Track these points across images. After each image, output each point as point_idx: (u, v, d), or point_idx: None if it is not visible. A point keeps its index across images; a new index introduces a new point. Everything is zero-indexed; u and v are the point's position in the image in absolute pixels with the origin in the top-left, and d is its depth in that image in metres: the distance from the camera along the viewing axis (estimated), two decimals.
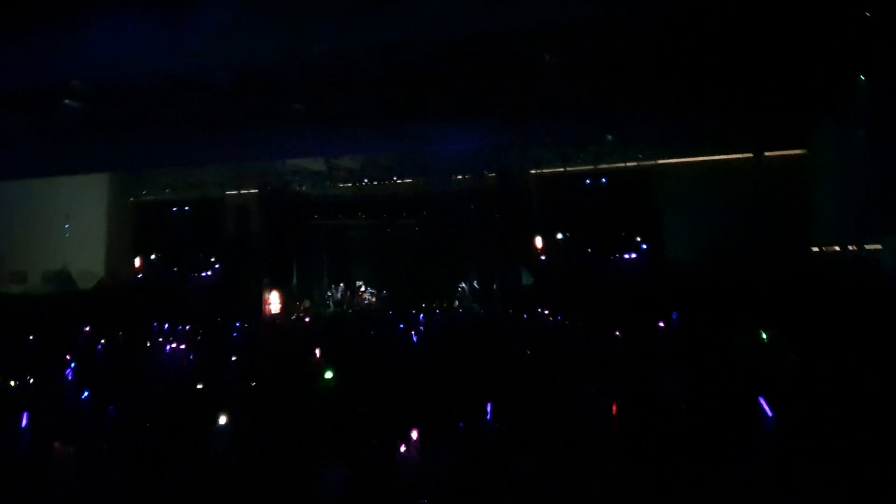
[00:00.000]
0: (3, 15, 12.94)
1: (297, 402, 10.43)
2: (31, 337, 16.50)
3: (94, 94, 15.63)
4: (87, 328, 17.39)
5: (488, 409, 8.71)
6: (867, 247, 15.92)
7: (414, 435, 7.58)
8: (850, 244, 16.86)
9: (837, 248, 17.83)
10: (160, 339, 17.26)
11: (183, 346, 16.23)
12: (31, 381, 12.70)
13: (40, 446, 8.40)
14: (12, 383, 12.47)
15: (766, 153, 21.05)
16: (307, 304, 26.46)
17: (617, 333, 14.35)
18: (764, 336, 12.43)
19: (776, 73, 15.43)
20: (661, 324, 15.02)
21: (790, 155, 21.08)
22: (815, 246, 19.48)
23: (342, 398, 10.71)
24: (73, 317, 18.95)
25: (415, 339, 15.99)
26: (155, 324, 18.46)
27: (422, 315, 20.98)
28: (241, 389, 11.85)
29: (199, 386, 11.72)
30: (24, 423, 8.92)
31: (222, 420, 8.60)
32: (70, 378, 12.64)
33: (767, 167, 21.01)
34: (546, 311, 19.38)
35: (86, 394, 10.70)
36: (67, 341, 16.22)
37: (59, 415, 10.44)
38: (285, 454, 7.82)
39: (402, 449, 7.40)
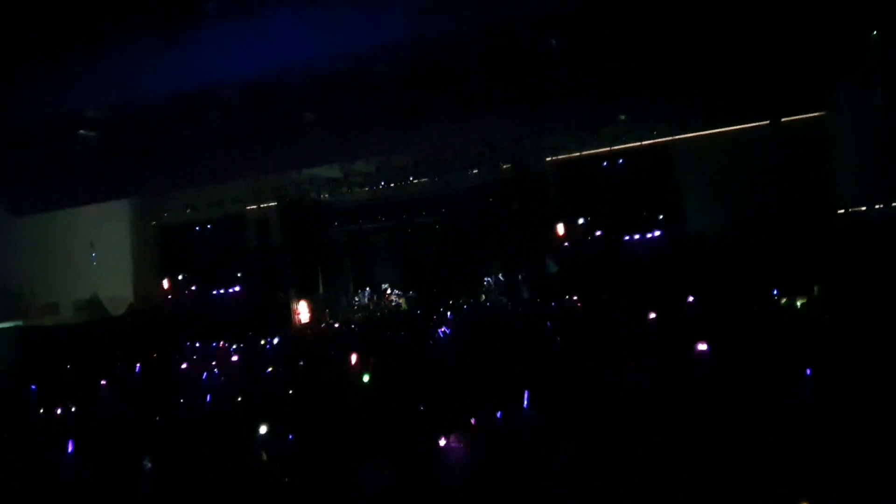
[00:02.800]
0: (16, 52, 13.09)
1: (337, 407, 10.50)
2: (68, 366, 16.73)
3: (108, 121, 15.79)
4: (124, 353, 17.61)
5: (525, 397, 8.73)
6: (894, 204, 15.71)
7: (454, 427, 7.62)
8: (877, 203, 16.65)
9: (864, 209, 17.61)
10: (195, 358, 17.42)
11: (219, 362, 16.39)
12: (76, 407, 12.91)
13: (90, 467, 8.54)
14: (58, 411, 12.67)
15: (784, 119, 20.81)
16: (336, 310, 26.59)
17: (650, 314, 14.28)
18: (797, 302, 12.33)
19: (786, 37, 15.26)
20: (691, 299, 14.95)
21: (808, 118, 20.82)
22: (840, 208, 19.25)
23: (379, 399, 10.77)
24: (108, 343, 19.21)
25: (442, 335, 16.04)
26: (188, 343, 18.64)
27: (449, 312, 21.02)
28: (281, 399, 11.94)
29: (239, 399, 11.85)
30: (70, 449, 9.08)
31: (268, 428, 8.71)
32: (113, 401, 12.81)
33: (786, 133, 20.77)
34: (574, 298, 19.33)
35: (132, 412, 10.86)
36: (106, 367, 16.44)
37: (109, 436, 10.60)
38: (331, 455, 7.88)
39: (443, 442, 7.43)
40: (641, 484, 6.63)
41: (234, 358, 16.68)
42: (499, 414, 8.47)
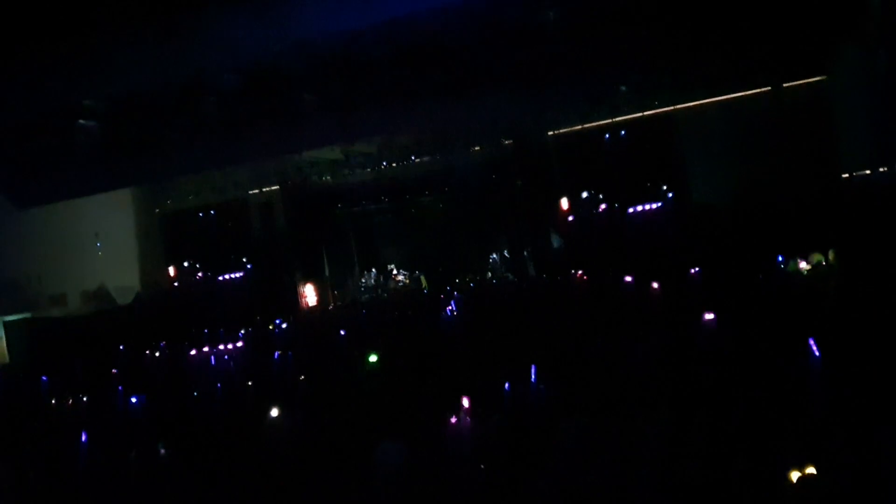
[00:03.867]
0: (15, 44, 13.04)
1: (347, 387, 10.56)
2: (78, 356, 16.82)
3: (109, 110, 15.75)
4: (133, 342, 17.70)
5: (532, 372, 8.76)
6: None
7: (464, 404, 7.65)
8: (881, 166, 16.56)
9: (868, 172, 17.51)
10: (204, 344, 17.47)
11: (229, 347, 16.47)
12: (89, 397, 13.01)
13: (104, 456, 8.60)
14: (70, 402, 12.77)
15: (786, 84, 20.64)
16: (342, 292, 26.63)
17: (654, 285, 14.28)
18: (805, 266, 12.31)
19: (786, 1, 15.10)
20: (697, 269, 14.94)
21: (810, 83, 20.64)
22: (844, 172, 19.14)
23: (389, 379, 10.82)
24: (117, 333, 19.30)
25: (449, 314, 16.07)
26: (196, 329, 18.70)
27: (456, 292, 21.06)
28: (291, 382, 11.99)
29: (249, 383, 11.91)
30: (84, 438, 9.15)
31: (279, 411, 8.78)
32: (124, 389, 12.89)
33: (788, 98, 20.61)
34: (579, 272, 19.32)
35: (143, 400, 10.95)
36: (115, 356, 16.54)
37: (121, 425, 10.68)
38: (343, 436, 7.93)
39: (454, 419, 7.47)
40: (651, 456, 6.66)
41: (242, 343, 16.74)
42: (507, 388, 8.51)
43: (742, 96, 21.08)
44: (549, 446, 7.09)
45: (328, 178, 25.75)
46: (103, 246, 23.52)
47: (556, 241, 22.98)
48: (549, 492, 6.27)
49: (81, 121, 15.88)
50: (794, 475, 5.55)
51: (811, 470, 5.54)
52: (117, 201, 24.55)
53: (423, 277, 27.36)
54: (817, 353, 8.06)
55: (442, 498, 6.71)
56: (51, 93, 14.33)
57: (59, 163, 18.88)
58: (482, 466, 6.93)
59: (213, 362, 15.45)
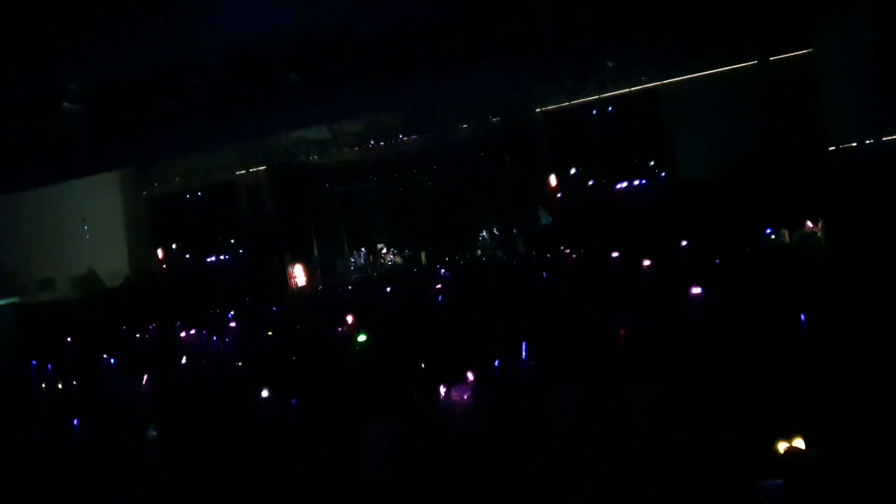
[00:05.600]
0: None
1: (338, 367, 10.59)
2: (68, 339, 16.82)
3: (93, 94, 15.62)
4: (122, 325, 17.68)
5: (523, 348, 8.81)
6: (885, 138, 15.69)
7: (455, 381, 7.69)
8: (867, 139, 16.61)
9: (855, 144, 17.58)
10: (194, 327, 17.47)
11: (217, 330, 16.45)
12: (79, 381, 13.00)
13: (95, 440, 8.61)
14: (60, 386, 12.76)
15: (772, 58, 20.62)
16: (332, 272, 26.59)
17: (645, 262, 14.32)
18: (789, 239, 12.37)
19: None
20: (685, 243, 14.99)
21: (796, 56, 20.64)
22: (832, 145, 19.20)
23: (380, 358, 10.85)
24: (106, 316, 19.27)
25: (439, 296, 16.09)
26: (186, 312, 18.68)
27: (445, 271, 21.10)
28: (281, 362, 12.01)
29: (239, 364, 11.92)
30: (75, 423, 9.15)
31: (270, 392, 8.80)
32: (115, 373, 12.90)
33: (775, 72, 20.60)
34: (568, 250, 19.37)
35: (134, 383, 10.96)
36: (105, 340, 16.51)
37: (113, 408, 10.69)
38: (335, 416, 7.96)
39: (445, 395, 7.51)
40: (641, 429, 6.72)
41: (233, 325, 16.73)
42: (497, 365, 8.56)
43: (728, 70, 21.07)
44: (540, 419, 7.15)
45: (315, 157, 25.61)
46: (91, 230, 23.40)
47: (544, 218, 23.00)
48: (540, 463, 6.33)
49: (66, 104, 15.75)
50: (782, 446, 5.61)
51: (798, 441, 5.61)
52: (104, 185, 24.41)
53: (423, 254, 27.33)
54: (804, 325, 8.15)
55: (435, 474, 6.77)
56: (35, 76, 14.19)
57: (45, 147, 18.69)
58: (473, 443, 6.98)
59: (202, 344, 15.45)
